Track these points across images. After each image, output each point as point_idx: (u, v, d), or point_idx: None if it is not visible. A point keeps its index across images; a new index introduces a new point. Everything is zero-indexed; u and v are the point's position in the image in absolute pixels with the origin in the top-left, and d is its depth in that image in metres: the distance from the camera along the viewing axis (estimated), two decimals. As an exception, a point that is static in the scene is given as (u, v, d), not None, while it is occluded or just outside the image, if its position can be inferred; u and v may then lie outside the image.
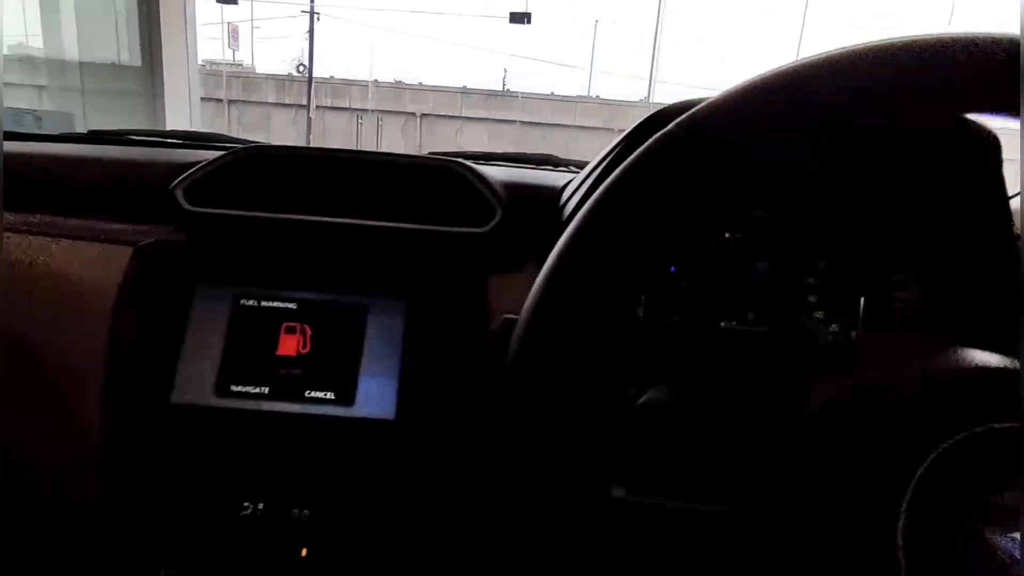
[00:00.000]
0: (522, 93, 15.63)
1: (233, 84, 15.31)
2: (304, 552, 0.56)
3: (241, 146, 0.70)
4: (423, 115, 15.58)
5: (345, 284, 0.59)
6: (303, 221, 0.64)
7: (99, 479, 0.56)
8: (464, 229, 0.64)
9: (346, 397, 0.55)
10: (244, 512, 0.56)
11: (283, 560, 0.56)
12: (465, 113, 15.46)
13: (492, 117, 15.38)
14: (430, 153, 0.76)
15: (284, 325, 0.57)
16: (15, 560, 0.65)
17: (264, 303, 0.57)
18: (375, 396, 0.55)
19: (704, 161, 0.33)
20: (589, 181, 0.62)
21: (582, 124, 15.12)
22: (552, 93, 15.71)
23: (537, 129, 15.29)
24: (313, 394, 0.55)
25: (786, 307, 0.64)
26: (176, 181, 0.65)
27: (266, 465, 0.56)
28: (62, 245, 0.63)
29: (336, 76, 16.10)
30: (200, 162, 0.68)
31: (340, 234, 0.63)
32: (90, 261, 0.61)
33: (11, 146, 0.80)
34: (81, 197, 0.70)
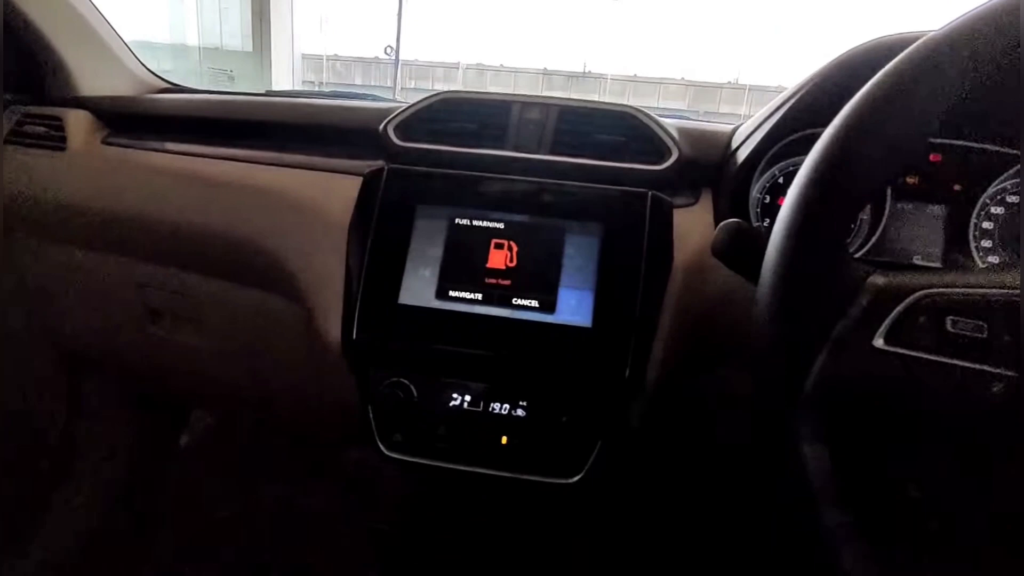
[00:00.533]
0: (602, 74, 15.38)
1: (323, 67, 15.95)
2: (504, 440, 0.65)
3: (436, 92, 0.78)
4: (503, 97, 15.67)
5: (544, 209, 0.66)
6: (500, 155, 0.72)
7: (340, 367, 0.66)
8: (645, 166, 0.70)
9: (548, 306, 0.63)
10: (453, 402, 0.65)
11: (485, 445, 0.65)
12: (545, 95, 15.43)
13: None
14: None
15: (493, 241, 0.65)
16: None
17: (475, 222, 0.65)
18: (573, 306, 0.62)
19: (937, 93, 0.36)
20: (768, 126, 0.66)
21: (665, 107, 14.76)
22: (635, 75, 15.36)
23: (617, 112, 15.04)
24: (519, 302, 0.63)
25: (958, 249, 0.66)
26: (386, 121, 0.75)
27: (476, 362, 0.64)
28: (299, 175, 0.74)
29: (420, 59, 16.42)
30: (399, 107, 0.78)
31: (533, 167, 0.70)
32: (325, 188, 0.72)
33: (224, 97, 0.93)
34: (302, 136, 0.81)
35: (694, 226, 0.67)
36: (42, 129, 0.86)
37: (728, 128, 0.76)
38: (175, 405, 1.30)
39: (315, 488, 1.30)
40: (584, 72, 15.61)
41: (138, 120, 0.89)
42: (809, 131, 0.65)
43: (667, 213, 0.65)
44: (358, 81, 16.05)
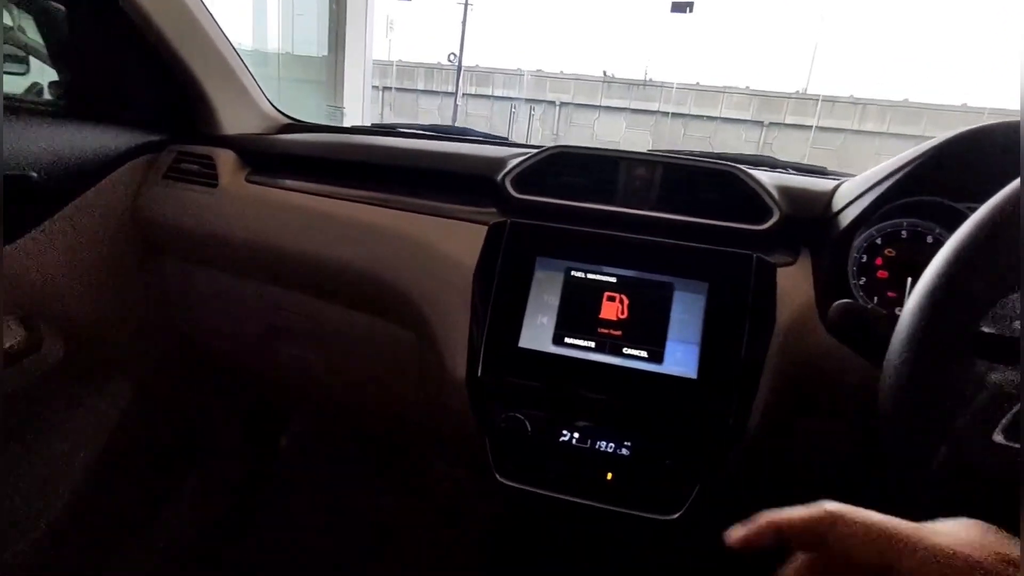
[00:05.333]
0: (664, 83, 15.21)
1: (387, 71, 16.45)
2: (609, 476, 0.71)
3: (550, 146, 0.84)
4: (562, 104, 15.74)
5: (654, 265, 0.71)
6: (610, 211, 0.78)
7: (458, 399, 0.74)
8: (748, 225, 0.75)
9: (656, 356, 0.68)
10: (563, 438, 0.72)
11: (591, 479, 0.71)
12: (604, 102, 15.40)
13: (632, 107, 15.20)
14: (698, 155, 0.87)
15: (606, 294, 0.71)
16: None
17: (590, 275, 0.72)
18: (680, 358, 0.68)
19: None
20: (880, 189, 0.69)
21: (727, 116, 14.49)
22: (697, 83, 15.11)
23: (677, 120, 14.91)
24: (629, 351, 0.69)
25: None
26: (503, 173, 0.82)
27: (586, 404, 0.70)
28: (426, 221, 0.82)
29: (481, 65, 16.67)
30: (511, 156, 0.85)
31: (641, 222, 0.76)
32: (451, 235, 0.79)
33: (349, 139, 1.03)
34: (422, 180, 0.89)
35: (796, 286, 0.71)
36: (196, 167, 0.97)
37: (827, 185, 0.80)
38: (280, 410, 1.42)
39: (398, 498, 1.39)
40: (645, 80, 15.47)
41: (275, 159, 1.00)
42: (919, 197, 0.68)
43: (771, 275, 0.70)
44: (420, 86, 16.49)
